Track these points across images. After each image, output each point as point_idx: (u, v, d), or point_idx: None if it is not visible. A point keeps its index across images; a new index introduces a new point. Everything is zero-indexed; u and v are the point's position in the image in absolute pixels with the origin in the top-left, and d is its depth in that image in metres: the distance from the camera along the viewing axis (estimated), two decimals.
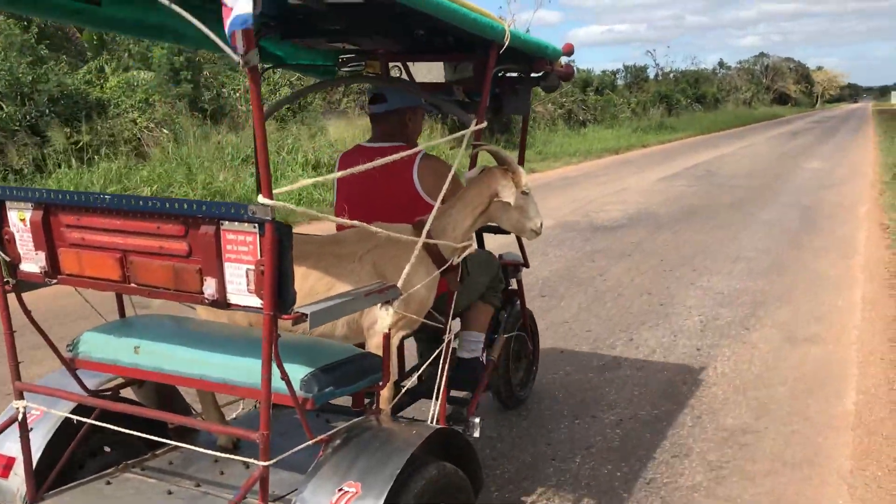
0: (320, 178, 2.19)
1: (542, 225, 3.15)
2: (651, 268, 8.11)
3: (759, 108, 53.42)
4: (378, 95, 3.36)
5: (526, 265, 4.31)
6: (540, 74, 3.57)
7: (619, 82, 41.49)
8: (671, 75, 45.10)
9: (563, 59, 3.53)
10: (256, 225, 1.99)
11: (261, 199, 1.94)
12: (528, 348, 4.56)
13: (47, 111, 12.03)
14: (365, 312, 2.78)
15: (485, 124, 2.90)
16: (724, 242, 9.40)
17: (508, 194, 2.96)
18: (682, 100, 40.01)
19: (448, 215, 2.94)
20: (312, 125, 15.89)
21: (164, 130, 13.26)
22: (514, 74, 3.65)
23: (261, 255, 2.00)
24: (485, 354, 3.78)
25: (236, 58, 1.79)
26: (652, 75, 43.34)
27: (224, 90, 16.03)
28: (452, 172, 2.96)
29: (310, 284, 2.73)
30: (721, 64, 63.78)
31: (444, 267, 2.89)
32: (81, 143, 11.84)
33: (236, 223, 2.03)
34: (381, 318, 2.37)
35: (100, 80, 14.36)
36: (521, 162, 4.15)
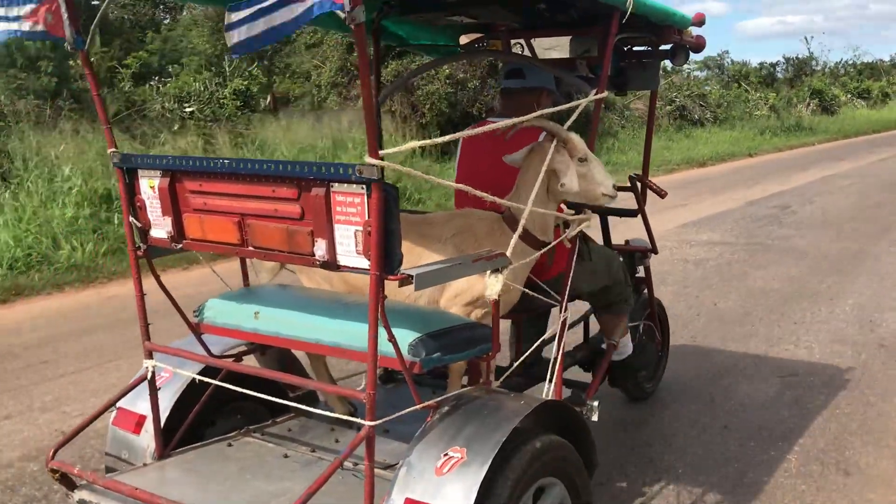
0: (428, 142, 2.17)
1: (614, 186, 2.84)
2: None
3: None
4: (517, 70, 3.30)
5: (654, 251, 4.15)
6: (669, 47, 3.42)
7: (780, 75, 37.85)
8: (840, 67, 39.59)
9: (694, 31, 3.37)
10: (364, 185, 2.00)
11: (368, 159, 1.94)
12: (657, 338, 4.38)
13: None
14: (445, 286, 2.68)
15: (606, 94, 2.80)
16: None
17: (565, 170, 2.69)
18: (840, 95, 34.45)
19: (519, 200, 2.73)
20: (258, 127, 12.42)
21: None
22: (642, 48, 3.52)
23: (368, 216, 2.01)
24: (607, 341, 3.68)
25: (342, 14, 1.80)
26: (818, 67, 38.40)
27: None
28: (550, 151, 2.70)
29: None
30: None
31: (546, 248, 2.78)
32: None
33: (345, 184, 2.05)
34: (491, 285, 2.32)
35: None
36: (648, 148, 3.97)
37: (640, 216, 3.95)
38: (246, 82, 14.15)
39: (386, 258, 2.02)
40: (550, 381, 2.80)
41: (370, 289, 2.02)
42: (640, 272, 4.23)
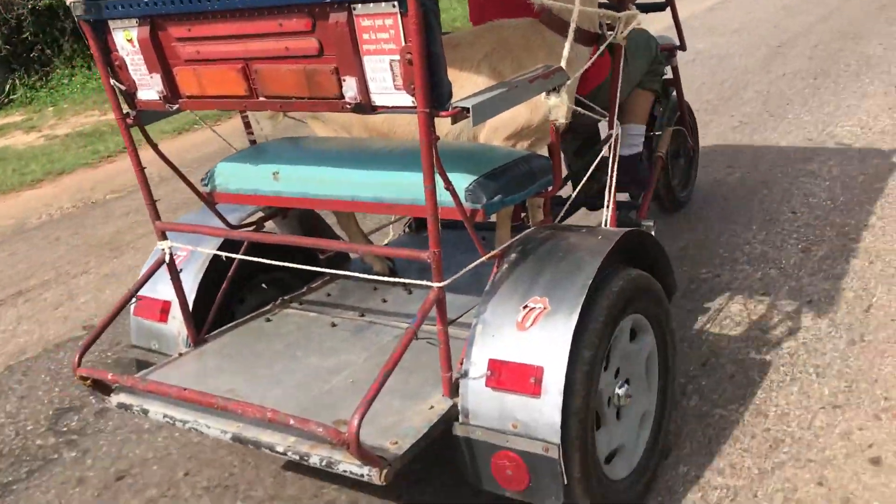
0: None
1: None
2: None
3: None
4: None
5: (682, 48, 3.76)
6: None
7: None
8: None
9: None
10: (396, 2, 1.62)
11: None
12: (689, 143, 4.08)
13: None
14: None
15: None
16: None
17: None
18: None
19: None
20: None
21: None
22: None
23: (406, 41, 1.64)
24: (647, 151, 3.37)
25: None
26: None
27: None
28: None
29: None
30: None
31: (604, 44, 2.41)
32: None
33: (371, 4, 1.66)
34: (555, 108, 1.98)
35: None
36: None
37: (668, 9, 3.55)
38: None
39: (433, 90, 1.67)
40: (607, 207, 2.52)
41: (420, 130, 1.69)
42: (668, 73, 3.87)
